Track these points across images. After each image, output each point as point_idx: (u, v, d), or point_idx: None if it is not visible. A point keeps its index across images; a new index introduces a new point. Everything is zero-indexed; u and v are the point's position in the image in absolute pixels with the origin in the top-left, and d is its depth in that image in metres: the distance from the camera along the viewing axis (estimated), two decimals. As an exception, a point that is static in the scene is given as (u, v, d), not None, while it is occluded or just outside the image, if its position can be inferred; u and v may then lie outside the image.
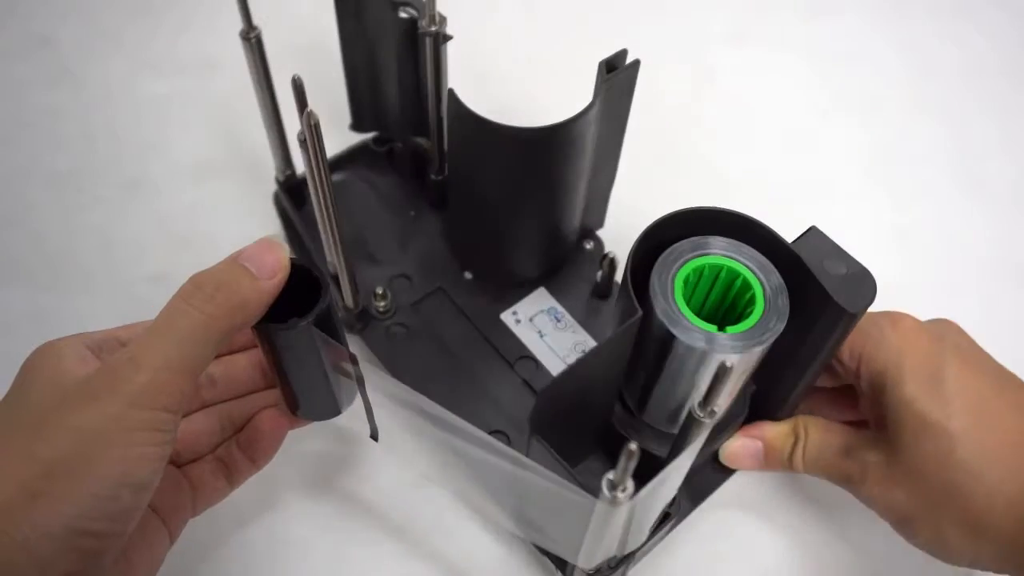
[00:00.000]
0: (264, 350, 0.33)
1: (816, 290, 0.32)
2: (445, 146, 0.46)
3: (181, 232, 0.52)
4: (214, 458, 0.36)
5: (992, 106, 0.62)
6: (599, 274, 0.46)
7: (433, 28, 0.39)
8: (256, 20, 0.40)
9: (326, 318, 0.31)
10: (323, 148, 0.33)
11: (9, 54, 0.61)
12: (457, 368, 0.45)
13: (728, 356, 0.31)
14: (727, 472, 0.42)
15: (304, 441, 0.41)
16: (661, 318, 0.32)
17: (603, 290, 0.47)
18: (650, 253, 0.34)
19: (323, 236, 0.39)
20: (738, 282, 0.34)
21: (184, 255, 0.50)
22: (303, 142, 0.34)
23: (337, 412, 0.36)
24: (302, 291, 0.31)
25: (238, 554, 0.41)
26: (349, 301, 0.43)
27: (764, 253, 0.33)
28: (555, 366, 0.44)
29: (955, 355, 0.35)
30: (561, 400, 0.33)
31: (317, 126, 0.32)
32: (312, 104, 0.32)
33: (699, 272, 0.33)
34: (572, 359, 0.45)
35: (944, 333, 0.36)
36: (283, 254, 0.30)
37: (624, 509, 0.28)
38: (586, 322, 0.46)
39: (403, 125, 0.47)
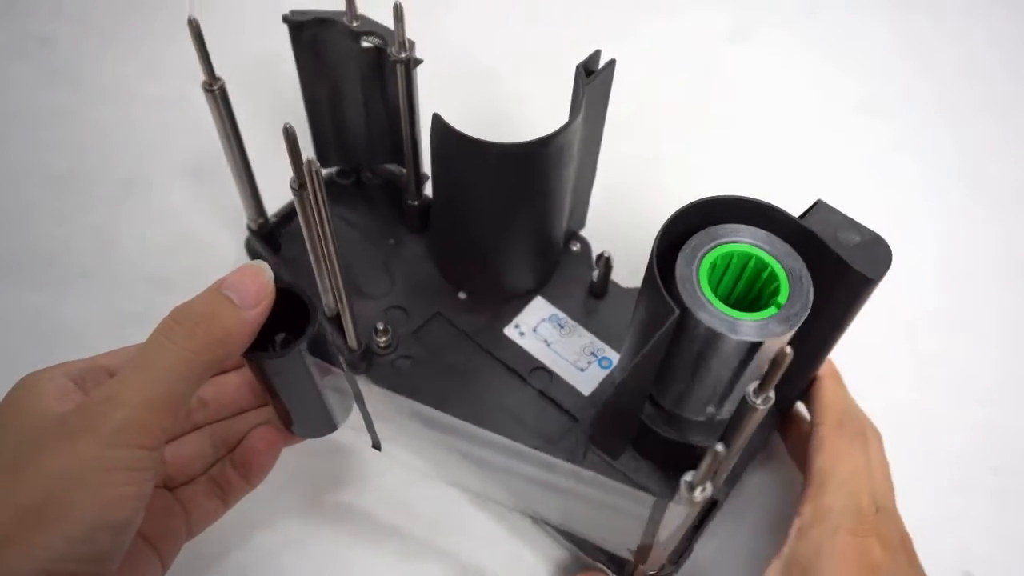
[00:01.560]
0: (255, 376, 0.32)
1: (832, 262, 0.33)
2: (421, 170, 0.45)
3: (179, 232, 0.52)
4: (207, 479, 0.35)
5: (993, 103, 0.62)
6: (595, 274, 0.46)
7: (404, 55, 0.38)
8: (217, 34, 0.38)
9: (317, 339, 0.30)
10: (325, 196, 0.32)
11: (6, 54, 0.61)
12: (470, 390, 0.44)
13: (779, 340, 0.32)
14: (754, 453, 0.43)
15: (304, 449, 0.41)
16: (699, 315, 0.32)
17: (599, 289, 0.47)
18: (672, 247, 0.34)
19: (321, 283, 0.38)
20: (751, 263, 0.34)
21: (182, 255, 0.51)
22: (297, 189, 0.33)
23: (333, 428, 0.36)
24: (289, 310, 0.30)
25: (239, 559, 0.41)
26: (352, 342, 0.42)
27: (778, 235, 0.34)
28: (568, 373, 0.44)
29: None
30: (616, 409, 0.33)
31: (318, 173, 0.31)
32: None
33: (714, 263, 0.34)
34: (583, 363, 0.45)
35: (885, 567, 0.34)
36: (267, 279, 0.29)
37: (698, 508, 0.29)
38: (587, 323, 0.46)
39: (372, 154, 0.46)
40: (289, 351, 0.29)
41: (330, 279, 0.37)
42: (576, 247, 0.49)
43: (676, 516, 0.30)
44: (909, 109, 0.62)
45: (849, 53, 0.65)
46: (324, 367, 0.31)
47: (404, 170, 0.46)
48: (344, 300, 0.39)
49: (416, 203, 0.47)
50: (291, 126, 0.31)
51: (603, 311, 0.47)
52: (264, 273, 0.29)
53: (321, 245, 0.35)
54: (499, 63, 0.62)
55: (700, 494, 0.28)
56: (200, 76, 0.37)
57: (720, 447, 0.25)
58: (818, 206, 0.34)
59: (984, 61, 0.65)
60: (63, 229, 0.52)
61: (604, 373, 0.44)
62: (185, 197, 0.53)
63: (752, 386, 0.29)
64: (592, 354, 0.45)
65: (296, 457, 0.39)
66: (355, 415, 0.35)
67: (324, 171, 0.50)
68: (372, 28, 0.39)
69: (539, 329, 0.46)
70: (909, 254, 0.55)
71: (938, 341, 0.51)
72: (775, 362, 0.28)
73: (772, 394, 0.29)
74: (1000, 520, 0.44)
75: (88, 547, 0.25)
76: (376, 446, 0.36)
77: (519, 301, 0.47)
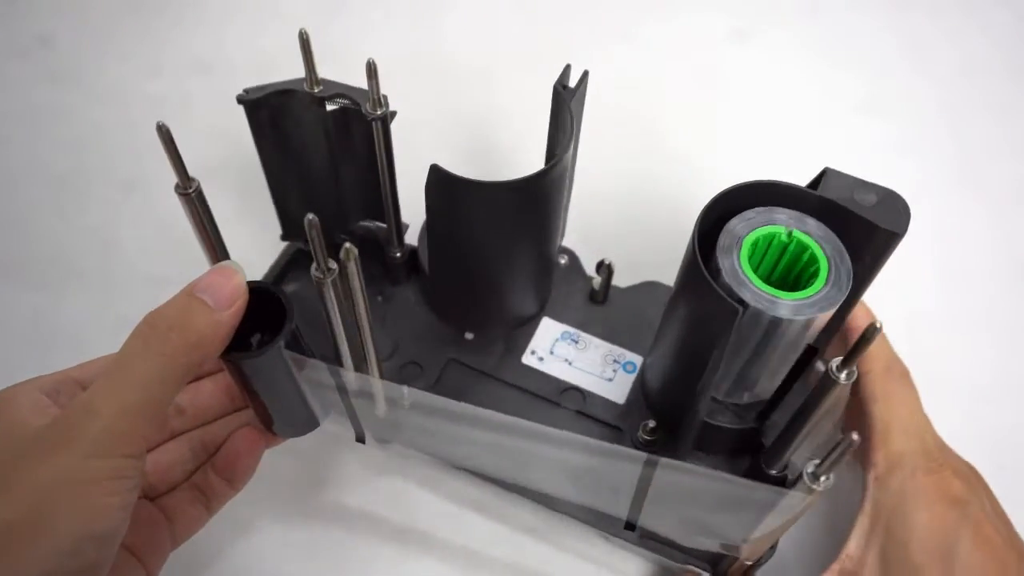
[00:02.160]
0: (233, 377, 0.32)
1: (857, 224, 0.34)
2: (403, 222, 0.44)
3: (179, 232, 0.49)
4: (190, 486, 0.35)
5: (993, 103, 0.62)
6: (596, 282, 0.46)
7: (379, 111, 0.36)
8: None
9: (293, 336, 0.30)
10: (362, 280, 0.31)
11: (6, 54, 0.61)
12: (508, 430, 0.43)
13: (824, 316, 0.32)
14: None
15: (290, 451, 0.40)
16: (744, 297, 0.32)
17: (601, 296, 0.47)
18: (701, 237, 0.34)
19: (352, 369, 0.36)
20: (792, 244, 0.34)
21: (182, 256, 0.49)
22: (323, 277, 0.31)
23: (316, 425, 0.36)
24: (263, 310, 0.30)
25: (233, 562, 0.41)
26: (381, 412, 0.40)
27: (796, 209, 0.35)
28: (598, 386, 0.44)
29: (972, 531, 0.34)
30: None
31: (357, 260, 0.29)
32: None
33: (755, 243, 0.34)
34: (609, 372, 0.45)
35: (967, 498, 0.35)
36: (240, 280, 0.29)
37: (819, 497, 0.29)
38: (598, 332, 0.46)
39: (345, 216, 0.44)
40: (267, 349, 0.29)
41: (374, 366, 0.36)
42: (564, 260, 0.48)
43: (796, 505, 0.30)
44: (909, 109, 0.62)
45: (849, 53, 0.65)
46: (302, 361, 0.31)
47: (380, 225, 0.45)
48: (378, 375, 0.37)
49: (399, 254, 0.45)
50: (314, 217, 0.29)
51: (608, 316, 0.47)
52: (237, 274, 0.29)
53: (355, 328, 0.33)
54: (497, 65, 0.60)
55: (824, 483, 0.28)
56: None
57: (855, 435, 0.26)
58: (828, 174, 0.35)
59: (984, 61, 0.65)
60: (63, 229, 0.52)
61: (632, 378, 0.44)
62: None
63: (835, 362, 0.30)
64: (615, 361, 0.45)
65: (283, 459, 0.38)
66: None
67: (294, 245, 0.47)
68: (336, 90, 0.37)
69: (556, 350, 0.45)
70: (909, 253, 0.55)
71: (937, 340, 0.50)
72: (864, 338, 0.28)
73: (856, 368, 0.30)
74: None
75: (75, 560, 0.25)
76: (360, 439, 0.36)
77: (527, 328, 0.46)
